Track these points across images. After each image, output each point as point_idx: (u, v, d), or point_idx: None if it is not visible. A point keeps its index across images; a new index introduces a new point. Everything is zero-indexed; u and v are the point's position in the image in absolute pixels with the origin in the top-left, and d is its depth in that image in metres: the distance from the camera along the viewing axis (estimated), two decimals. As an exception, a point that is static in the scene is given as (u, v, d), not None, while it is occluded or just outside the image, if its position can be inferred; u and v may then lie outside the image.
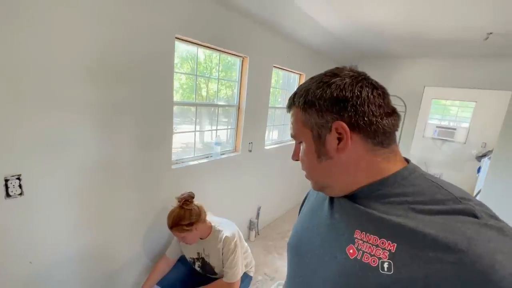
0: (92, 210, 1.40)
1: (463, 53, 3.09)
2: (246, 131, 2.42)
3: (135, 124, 1.49)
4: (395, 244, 0.40)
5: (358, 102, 0.44)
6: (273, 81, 2.70)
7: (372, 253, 0.41)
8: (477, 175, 4.30)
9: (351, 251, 0.44)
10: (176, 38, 1.61)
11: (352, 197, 0.49)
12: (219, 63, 2.19)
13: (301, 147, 0.52)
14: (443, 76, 3.45)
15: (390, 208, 0.43)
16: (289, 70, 2.95)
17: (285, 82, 3.27)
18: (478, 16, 1.96)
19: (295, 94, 0.51)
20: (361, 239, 0.44)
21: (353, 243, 0.44)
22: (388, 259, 0.40)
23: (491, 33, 2.22)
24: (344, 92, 0.45)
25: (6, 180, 1.08)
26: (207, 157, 2.13)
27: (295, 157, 0.54)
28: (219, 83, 2.23)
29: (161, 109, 1.61)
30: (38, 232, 1.22)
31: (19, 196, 1.13)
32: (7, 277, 1.16)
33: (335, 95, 0.46)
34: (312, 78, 0.50)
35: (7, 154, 1.07)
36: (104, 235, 1.49)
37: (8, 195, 1.10)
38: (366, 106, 0.44)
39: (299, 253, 0.56)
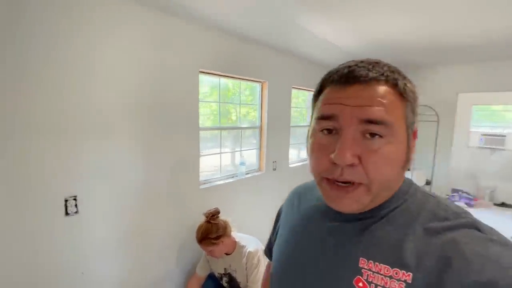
0: (132, 227, 1.59)
1: (495, 56, 2.91)
2: (269, 150, 2.53)
3: (168, 149, 1.70)
4: (410, 274, 0.36)
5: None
6: (297, 100, 2.82)
7: (387, 286, 0.36)
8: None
9: (360, 284, 0.38)
10: (200, 72, 1.84)
11: (347, 216, 0.43)
12: (241, 88, 2.38)
13: (379, 143, 0.37)
14: (478, 81, 3.25)
15: (398, 229, 0.39)
16: (309, 89, 3.05)
17: (310, 101, 3.36)
18: (500, 17, 1.89)
19: (386, 68, 0.38)
20: (369, 269, 0.38)
21: (361, 275, 0.39)
22: None
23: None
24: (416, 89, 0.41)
25: (66, 201, 1.32)
26: (232, 177, 2.27)
27: (351, 152, 0.36)
28: (248, 107, 2.42)
29: (189, 135, 1.82)
30: (89, 246, 1.43)
31: (75, 214, 1.36)
32: (61, 286, 1.36)
33: (416, 91, 0.41)
34: (385, 64, 0.39)
35: (66, 178, 1.31)
36: (142, 250, 1.66)
37: (67, 213, 1.33)
38: None
39: (290, 285, 0.47)
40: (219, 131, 2.20)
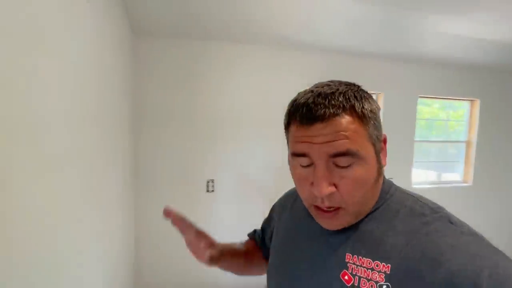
0: (249, 208, 2.09)
1: None
2: (384, 165, 2.36)
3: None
4: (389, 265, 0.39)
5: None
6: (430, 110, 2.47)
7: (369, 278, 0.40)
8: None
9: (346, 277, 0.42)
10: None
11: None
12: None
13: (349, 170, 0.40)
14: None
15: (380, 226, 0.43)
16: (449, 98, 2.54)
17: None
18: None
19: (341, 98, 0.40)
20: (353, 263, 0.42)
21: (347, 268, 0.42)
22: (385, 282, 0.39)
23: None
24: (375, 102, 0.44)
25: (207, 182, 1.99)
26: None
27: (326, 185, 0.40)
28: None
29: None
30: (220, 217, 2.05)
31: (212, 192, 2.01)
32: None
33: (375, 105, 0.44)
34: (338, 90, 0.41)
35: (208, 166, 1.99)
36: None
37: (207, 191, 2.00)
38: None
39: (286, 279, 0.52)
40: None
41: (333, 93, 0.40)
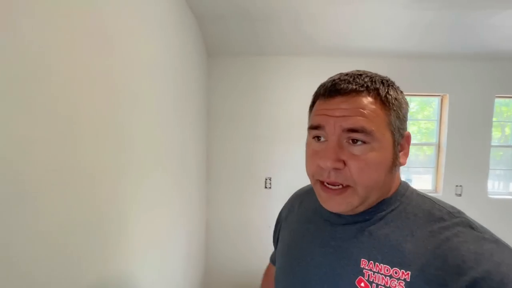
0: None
1: None
2: (451, 172, 2.21)
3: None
4: (409, 272, 0.37)
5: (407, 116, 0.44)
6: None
7: (388, 285, 0.38)
8: None
9: (362, 284, 0.40)
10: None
11: (347, 218, 0.45)
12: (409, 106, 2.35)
13: (361, 149, 0.40)
14: None
15: (396, 230, 0.41)
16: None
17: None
18: None
19: (367, 79, 0.41)
20: (370, 270, 0.40)
21: (363, 275, 0.40)
22: None
23: None
24: (407, 101, 0.44)
25: (265, 179, 2.23)
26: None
27: (334, 157, 0.40)
28: (418, 123, 2.36)
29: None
30: (274, 213, 2.25)
31: (269, 189, 2.24)
32: (254, 233, 2.27)
33: (406, 101, 0.44)
34: (367, 75, 0.42)
35: (266, 165, 2.23)
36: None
37: (265, 187, 2.24)
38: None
39: (296, 284, 0.48)
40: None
41: (360, 75, 0.42)
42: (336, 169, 0.40)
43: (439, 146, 2.27)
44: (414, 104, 2.36)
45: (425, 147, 2.34)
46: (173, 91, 1.33)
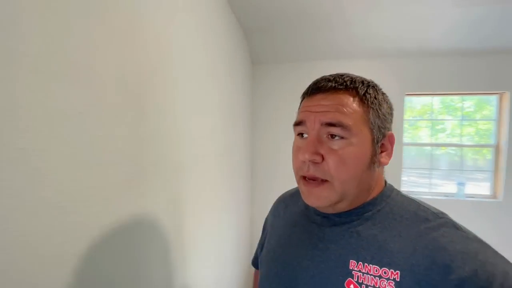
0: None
1: None
2: (512, 175, 2.02)
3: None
4: (398, 272, 0.38)
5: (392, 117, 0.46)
6: None
7: (377, 286, 0.38)
8: None
9: (351, 286, 0.40)
10: (406, 94, 2.11)
11: (334, 220, 0.45)
12: (463, 105, 2.20)
13: (339, 144, 0.41)
14: None
15: (383, 231, 0.41)
16: None
17: None
18: None
19: (347, 79, 0.43)
20: (359, 271, 0.40)
21: (352, 277, 0.40)
22: None
23: None
24: (391, 103, 0.46)
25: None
26: (446, 196, 2.16)
27: (312, 150, 0.41)
28: (474, 124, 2.22)
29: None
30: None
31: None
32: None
33: (389, 103, 0.46)
34: (348, 76, 0.44)
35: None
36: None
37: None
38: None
39: None
40: (431, 147, 2.23)
41: (342, 75, 0.44)
42: (315, 163, 0.41)
43: (498, 148, 2.09)
44: (470, 103, 2.22)
45: (484, 150, 2.18)
46: (224, 97, 1.48)
